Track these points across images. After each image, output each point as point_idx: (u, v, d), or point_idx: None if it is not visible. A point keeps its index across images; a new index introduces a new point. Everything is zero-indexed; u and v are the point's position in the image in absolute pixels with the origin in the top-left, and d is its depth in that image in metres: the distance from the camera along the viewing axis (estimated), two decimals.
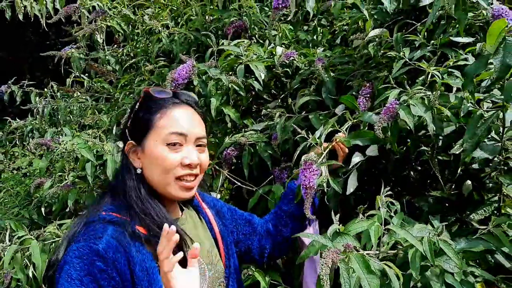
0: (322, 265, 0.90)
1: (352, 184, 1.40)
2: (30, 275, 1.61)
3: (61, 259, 1.00)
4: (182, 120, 1.11)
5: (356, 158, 1.40)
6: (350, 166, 1.39)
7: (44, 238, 1.67)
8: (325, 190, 1.33)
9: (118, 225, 1.04)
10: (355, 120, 1.44)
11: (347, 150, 1.41)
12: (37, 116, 2.89)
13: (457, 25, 1.43)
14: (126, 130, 1.14)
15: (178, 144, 1.09)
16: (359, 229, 1.05)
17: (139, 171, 1.11)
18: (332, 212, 1.08)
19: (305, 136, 1.42)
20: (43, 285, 1.62)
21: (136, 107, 1.15)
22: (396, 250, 1.02)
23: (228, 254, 1.25)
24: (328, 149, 1.38)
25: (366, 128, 1.44)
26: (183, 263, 1.01)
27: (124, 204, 1.09)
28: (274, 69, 1.90)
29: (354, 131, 1.43)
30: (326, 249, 0.94)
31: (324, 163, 1.33)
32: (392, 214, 1.05)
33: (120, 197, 1.10)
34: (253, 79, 1.84)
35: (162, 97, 1.14)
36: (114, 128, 2.23)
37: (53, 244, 1.66)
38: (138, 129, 1.12)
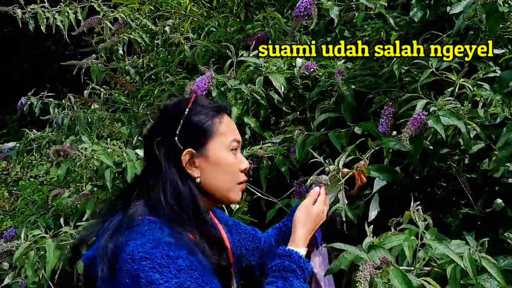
0: (359, 279, 0.85)
1: (374, 210, 1.33)
2: (42, 275, 1.58)
3: (121, 264, 0.88)
4: (234, 127, 1.12)
5: (379, 182, 1.33)
6: (373, 191, 1.33)
7: (60, 240, 1.64)
8: (343, 218, 1.27)
9: (172, 228, 0.95)
10: (377, 148, 1.37)
11: (365, 180, 1.34)
12: (54, 127, 2.89)
13: (485, 36, 1.40)
14: (176, 138, 1.04)
15: (236, 150, 1.09)
16: (395, 243, 0.99)
17: (198, 180, 1.04)
18: (366, 224, 1.04)
19: (322, 161, 1.37)
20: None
21: (186, 112, 1.06)
22: (430, 268, 0.97)
23: (237, 270, 1.20)
24: (347, 177, 1.31)
25: (389, 154, 1.38)
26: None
27: (169, 216, 0.98)
28: (294, 81, 1.88)
29: (376, 158, 1.36)
30: (363, 262, 0.89)
31: (340, 190, 1.27)
32: (423, 230, 1.00)
33: (162, 210, 0.99)
34: (273, 91, 1.81)
35: (215, 103, 1.12)
36: (135, 139, 2.19)
37: (69, 245, 1.61)
38: (194, 135, 1.05)
